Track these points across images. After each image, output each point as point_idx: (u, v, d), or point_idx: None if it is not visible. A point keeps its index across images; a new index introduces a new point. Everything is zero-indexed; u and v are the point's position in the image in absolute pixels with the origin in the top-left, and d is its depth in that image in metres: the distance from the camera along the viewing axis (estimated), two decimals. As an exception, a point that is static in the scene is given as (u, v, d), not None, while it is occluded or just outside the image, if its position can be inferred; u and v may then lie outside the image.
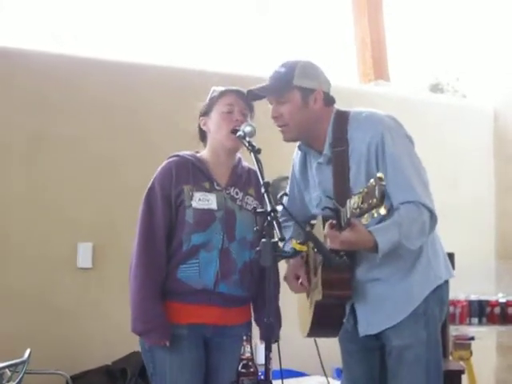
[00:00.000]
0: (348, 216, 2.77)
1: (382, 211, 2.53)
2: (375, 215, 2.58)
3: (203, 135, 3.44)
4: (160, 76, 5.33)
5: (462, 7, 7.23)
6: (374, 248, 2.90)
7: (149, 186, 3.32)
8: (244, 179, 3.42)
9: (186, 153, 3.40)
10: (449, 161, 6.50)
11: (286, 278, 3.31)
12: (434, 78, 7.56)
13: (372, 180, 2.57)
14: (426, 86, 7.53)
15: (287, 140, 3.23)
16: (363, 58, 6.67)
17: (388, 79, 6.70)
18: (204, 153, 3.42)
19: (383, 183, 2.52)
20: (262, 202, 3.32)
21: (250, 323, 3.41)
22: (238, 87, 3.39)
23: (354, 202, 2.70)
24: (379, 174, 2.55)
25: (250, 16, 6.59)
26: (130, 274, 3.29)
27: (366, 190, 2.60)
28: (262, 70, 5.14)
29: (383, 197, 2.51)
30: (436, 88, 7.53)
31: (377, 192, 2.52)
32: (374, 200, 2.53)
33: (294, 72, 3.13)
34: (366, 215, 2.64)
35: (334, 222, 2.88)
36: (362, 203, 2.62)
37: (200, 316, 3.25)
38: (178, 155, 3.39)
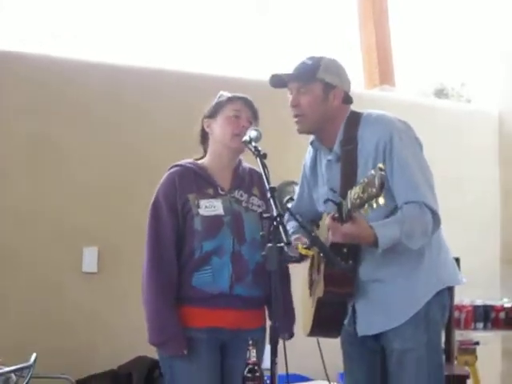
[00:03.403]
0: (349, 207, 2.80)
1: (381, 201, 2.55)
2: (374, 206, 2.59)
3: (205, 138, 3.46)
4: (162, 79, 5.34)
5: (466, 13, 7.24)
6: (375, 243, 2.93)
7: (153, 198, 3.34)
8: (247, 181, 3.44)
9: (186, 161, 3.42)
10: (454, 165, 6.49)
11: None
12: (438, 83, 7.56)
13: (372, 170, 2.59)
14: (431, 92, 7.53)
15: (301, 131, 3.26)
16: (369, 63, 6.67)
17: (393, 84, 6.70)
18: (205, 159, 3.45)
19: (383, 173, 2.54)
20: (266, 201, 3.33)
21: (265, 328, 3.40)
22: (245, 95, 3.42)
23: (354, 192, 2.72)
24: (379, 165, 2.58)
25: (251, 17, 6.59)
26: (142, 286, 3.30)
27: (366, 180, 2.63)
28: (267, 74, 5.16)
29: (382, 186, 2.52)
30: (441, 93, 7.53)
31: (376, 181, 2.54)
32: (374, 189, 2.55)
33: (319, 65, 3.18)
34: (365, 206, 2.65)
35: (336, 214, 2.90)
36: (362, 193, 2.65)
37: (217, 320, 3.27)
38: (178, 165, 3.40)
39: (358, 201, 2.68)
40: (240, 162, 3.47)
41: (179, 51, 6.07)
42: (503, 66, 6.93)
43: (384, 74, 6.63)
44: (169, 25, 6.10)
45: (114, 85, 5.16)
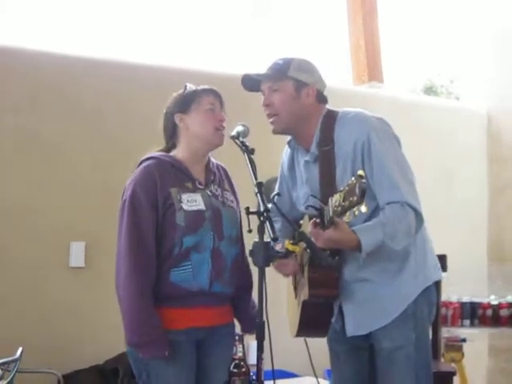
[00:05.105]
0: (330, 214, 2.78)
1: (363, 209, 2.55)
2: (356, 213, 2.59)
3: (174, 132, 3.36)
4: (153, 77, 5.31)
5: (455, 11, 7.25)
6: (358, 247, 2.92)
7: (129, 192, 3.20)
8: (218, 175, 3.39)
9: (158, 153, 3.32)
10: (442, 163, 6.51)
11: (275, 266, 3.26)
12: (427, 80, 7.57)
13: (353, 178, 2.58)
14: (420, 89, 7.54)
15: (276, 131, 3.25)
16: (357, 59, 6.69)
17: (382, 81, 6.72)
18: (177, 152, 3.34)
19: (364, 181, 2.53)
20: (236, 196, 3.38)
21: (234, 322, 3.39)
22: (213, 87, 3.35)
23: (335, 199, 2.71)
24: (360, 172, 2.57)
25: (244, 18, 6.60)
26: (117, 284, 3.16)
27: (347, 187, 2.62)
28: (251, 69, 5.17)
29: (363, 195, 2.51)
30: (430, 90, 7.54)
31: (357, 190, 2.52)
32: (355, 198, 2.54)
33: (290, 64, 3.19)
34: (347, 213, 2.64)
35: (318, 220, 2.89)
36: (343, 201, 2.63)
37: (195, 319, 3.19)
38: (154, 157, 3.29)
39: (340, 208, 2.67)
40: (209, 157, 3.39)
41: (171, 50, 6.07)
42: (492, 63, 6.96)
43: (372, 70, 6.64)
44: (162, 23, 6.10)
45: (105, 80, 5.13)
